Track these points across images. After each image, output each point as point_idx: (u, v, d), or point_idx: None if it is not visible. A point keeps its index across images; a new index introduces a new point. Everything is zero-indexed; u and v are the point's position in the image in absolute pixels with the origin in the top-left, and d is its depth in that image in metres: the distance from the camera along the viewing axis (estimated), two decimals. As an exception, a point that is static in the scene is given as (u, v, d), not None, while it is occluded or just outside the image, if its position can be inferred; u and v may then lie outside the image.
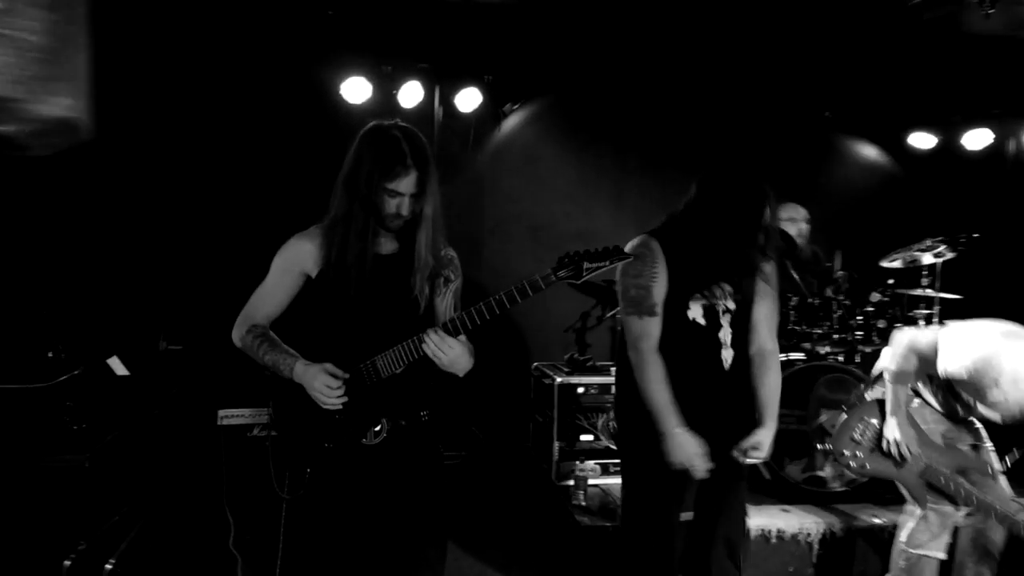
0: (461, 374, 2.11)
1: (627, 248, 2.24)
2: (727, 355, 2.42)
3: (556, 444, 4.03)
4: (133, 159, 4.42)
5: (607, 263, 1.97)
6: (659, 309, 2.36)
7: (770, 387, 2.45)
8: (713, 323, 2.41)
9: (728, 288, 2.44)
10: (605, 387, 4.08)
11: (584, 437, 4.06)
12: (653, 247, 2.34)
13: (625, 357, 2.47)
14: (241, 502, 3.21)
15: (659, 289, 2.35)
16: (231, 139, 4.54)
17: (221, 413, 3.35)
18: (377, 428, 2.19)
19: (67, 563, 2.89)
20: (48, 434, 3.15)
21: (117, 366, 3.62)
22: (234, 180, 4.54)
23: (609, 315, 4.28)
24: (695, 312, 2.41)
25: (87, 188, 4.33)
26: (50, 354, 3.49)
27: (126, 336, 4.09)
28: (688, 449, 2.28)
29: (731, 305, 2.45)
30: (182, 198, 4.50)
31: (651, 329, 2.35)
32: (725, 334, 2.42)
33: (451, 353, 2.04)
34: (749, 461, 2.39)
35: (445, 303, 2.23)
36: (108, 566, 3.04)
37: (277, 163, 4.50)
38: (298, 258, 2.23)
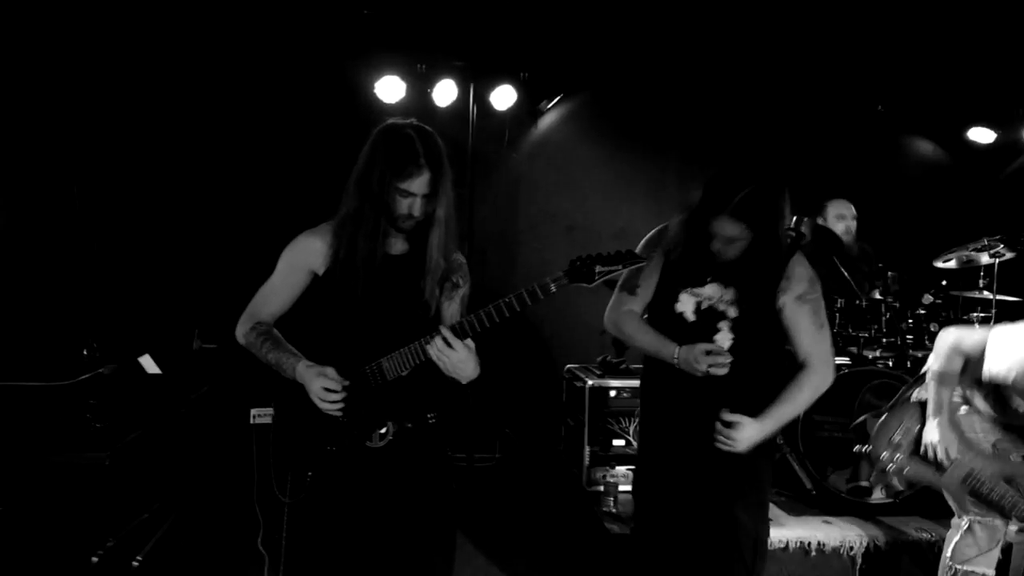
0: (464, 380, 2.06)
1: (649, 235, 2.35)
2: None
3: (587, 449, 3.99)
4: (171, 157, 4.52)
5: (619, 267, 1.98)
6: (641, 291, 2.42)
7: (790, 395, 2.34)
8: (706, 324, 2.37)
9: (729, 292, 2.38)
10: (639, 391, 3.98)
11: (616, 442, 4.01)
12: (657, 233, 2.42)
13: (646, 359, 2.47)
14: (271, 501, 3.20)
15: (647, 272, 2.41)
16: (267, 138, 4.62)
17: (253, 412, 3.37)
18: (382, 431, 2.17)
19: (94, 559, 2.91)
20: (71, 431, 3.21)
21: (149, 364, 3.66)
22: (270, 179, 4.61)
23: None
24: (684, 306, 2.41)
25: (127, 186, 4.45)
26: (85, 351, 3.55)
27: (162, 334, 4.16)
28: (695, 351, 2.30)
29: (732, 312, 2.39)
30: (219, 196, 4.58)
31: (625, 301, 2.43)
32: (723, 338, 2.38)
33: (455, 357, 2.00)
34: (717, 444, 2.28)
35: (452, 309, 2.21)
36: (135, 563, 3.05)
37: (312, 162, 4.54)
38: (306, 255, 2.21)
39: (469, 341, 2.03)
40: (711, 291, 2.40)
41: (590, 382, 4.03)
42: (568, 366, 4.53)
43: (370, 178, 2.08)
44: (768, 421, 2.30)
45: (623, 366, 4.21)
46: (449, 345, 2.00)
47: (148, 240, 4.49)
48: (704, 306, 2.39)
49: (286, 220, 2.47)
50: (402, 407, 2.18)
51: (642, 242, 2.46)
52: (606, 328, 2.51)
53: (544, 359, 4.98)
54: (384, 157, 2.06)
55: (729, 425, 2.27)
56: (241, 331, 2.30)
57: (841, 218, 4.23)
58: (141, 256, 4.47)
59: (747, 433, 2.27)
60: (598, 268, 1.96)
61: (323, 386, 2.10)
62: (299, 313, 2.34)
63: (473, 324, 2.02)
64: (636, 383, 3.94)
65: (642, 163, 5.21)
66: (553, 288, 1.96)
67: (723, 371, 2.30)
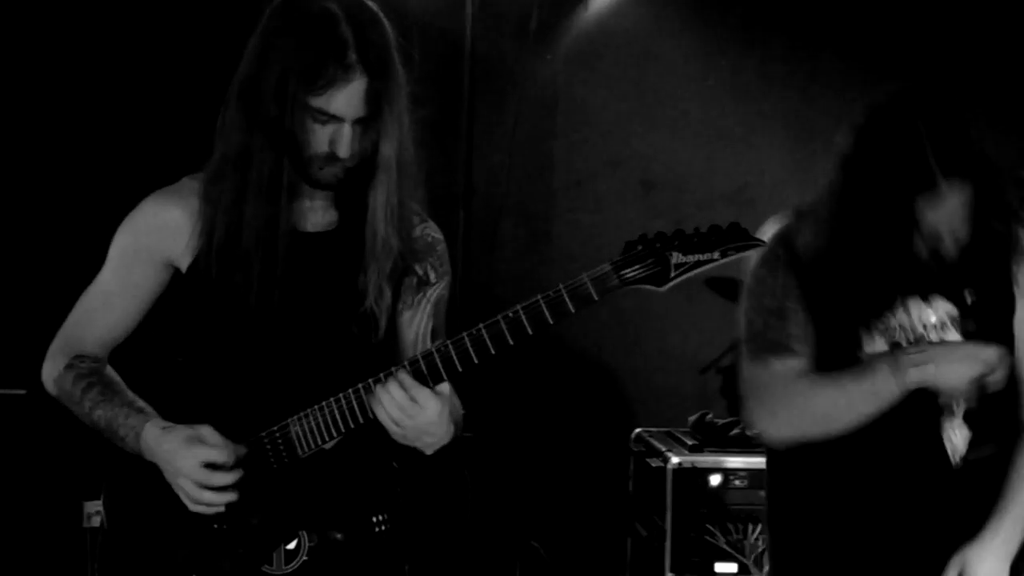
0: (429, 450, 2.13)
1: (761, 252, 2.34)
2: (956, 437, 2.43)
3: None
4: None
5: (713, 254, 1.98)
6: (798, 343, 2.40)
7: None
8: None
9: (945, 308, 2.40)
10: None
11: (723, 568, 3.99)
12: (777, 245, 2.45)
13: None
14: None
15: (797, 314, 2.40)
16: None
17: (89, 508, 3.55)
18: (291, 546, 2.19)
19: None
20: None
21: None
22: (100, 112, 4.67)
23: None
24: (877, 348, 2.43)
25: None
26: None
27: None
28: (957, 352, 2.33)
29: (953, 334, 2.41)
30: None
31: (774, 366, 2.41)
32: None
33: (420, 417, 2.03)
34: None
35: (418, 323, 2.30)
36: None
37: (165, 78, 4.63)
38: (157, 236, 2.27)
39: (444, 386, 2.06)
40: (919, 316, 2.42)
41: (675, 459, 4.07)
42: (637, 431, 4.57)
43: (261, 91, 2.12)
44: (999, 532, 2.36)
45: (736, 431, 4.23)
46: (411, 397, 2.02)
47: None
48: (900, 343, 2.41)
49: (132, 183, 2.50)
50: (325, 504, 2.21)
51: (760, 254, 2.44)
52: (766, 435, 2.50)
53: (597, 418, 5.01)
54: (285, 53, 2.10)
55: None
56: (50, 371, 2.35)
57: None
58: None
59: (979, 565, 2.34)
60: (676, 258, 1.96)
61: (201, 460, 2.11)
62: (148, 339, 2.38)
63: (450, 358, 2.03)
64: (760, 462, 3.95)
65: (773, 73, 5.19)
66: (592, 292, 1.96)
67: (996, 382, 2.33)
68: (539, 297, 1.98)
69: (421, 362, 2.04)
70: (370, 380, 2.06)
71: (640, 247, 1.96)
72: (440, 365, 2.03)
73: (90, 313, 2.33)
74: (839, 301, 2.40)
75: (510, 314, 1.99)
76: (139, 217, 2.28)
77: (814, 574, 2.53)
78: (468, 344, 2.02)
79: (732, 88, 5.19)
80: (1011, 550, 2.38)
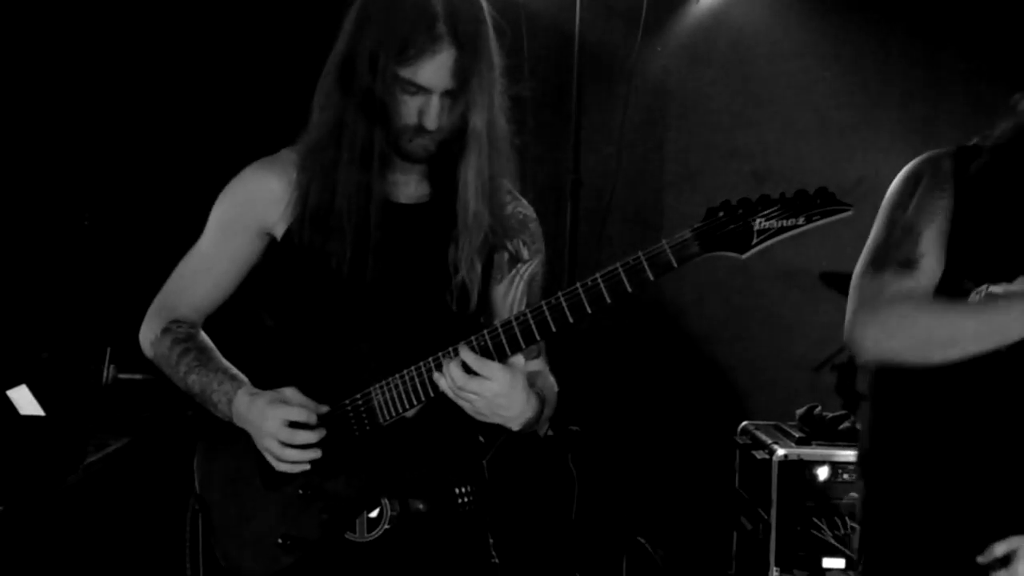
0: (515, 426, 2.11)
1: (908, 165, 2.32)
2: None
3: (775, 571, 4.01)
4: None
5: (799, 220, 1.94)
6: (931, 266, 2.30)
7: None
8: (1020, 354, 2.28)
9: None
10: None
11: (830, 563, 3.96)
12: (942, 166, 2.36)
13: (885, 389, 2.42)
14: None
15: (935, 233, 2.30)
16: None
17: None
18: (374, 514, 2.21)
19: None
20: None
21: (24, 401, 3.81)
22: (209, 99, 4.80)
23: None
24: None
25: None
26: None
27: (51, 355, 4.34)
28: None
29: None
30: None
31: (892, 281, 2.31)
32: None
33: (487, 391, 2.02)
34: None
35: (512, 298, 2.32)
36: None
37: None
38: (255, 204, 2.31)
39: (519, 358, 2.06)
40: None
41: (780, 452, 4.04)
42: (744, 424, 4.56)
43: (355, 63, 2.14)
44: None
45: (845, 425, 4.17)
46: (472, 371, 2.02)
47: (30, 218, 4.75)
48: None
49: (232, 155, 2.53)
50: (407, 473, 2.23)
51: (910, 173, 2.37)
52: (857, 346, 2.37)
53: (705, 413, 5.00)
54: (378, 25, 2.12)
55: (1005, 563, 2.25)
56: (147, 335, 2.40)
57: None
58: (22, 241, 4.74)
59: None
60: (759, 223, 1.94)
61: (284, 419, 2.15)
62: (243, 306, 2.41)
63: (514, 331, 2.02)
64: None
65: (892, 67, 5.12)
66: (672, 259, 1.94)
67: None
68: (618, 265, 1.97)
69: (485, 337, 2.04)
70: (443, 352, 2.07)
71: (722, 213, 1.94)
72: (507, 339, 2.03)
73: (188, 279, 2.37)
74: (998, 236, 2.30)
75: (588, 282, 1.98)
76: (238, 186, 2.33)
77: (907, 536, 2.42)
78: (546, 313, 2.00)
79: (849, 82, 5.13)
80: None
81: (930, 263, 2.30)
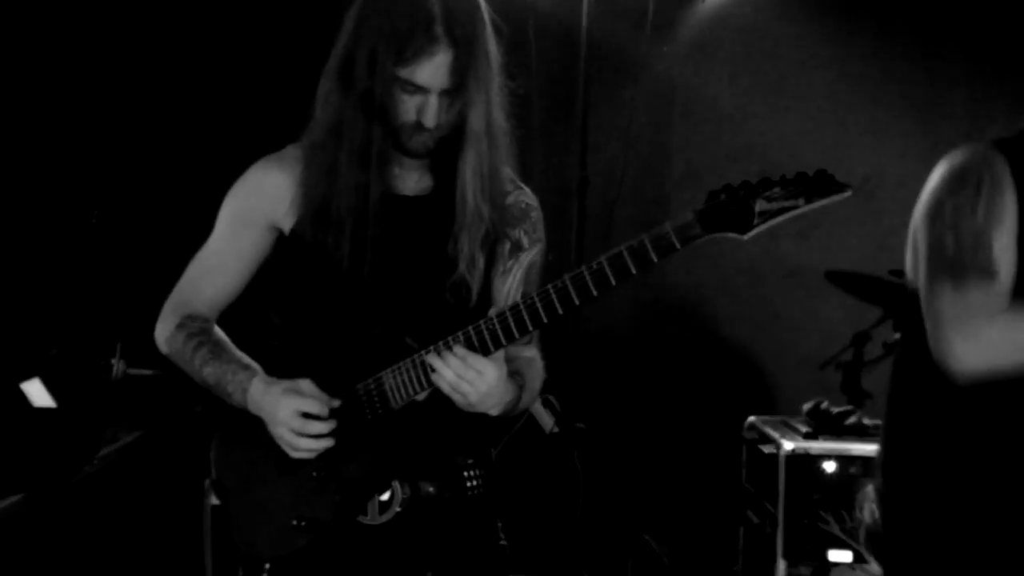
0: (495, 412, 2.15)
1: (948, 164, 2.28)
2: None
3: (782, 565, 3.98)
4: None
5: (799, 201, 1.95)
6: (1008, 271, 2.25)
7: None
8: None
9: None
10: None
11: (837, 556, 3.97)
12: (996, 163, 2.29)
13: (911, 392, 2.44)
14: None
15: (1006, 236, 2.25)
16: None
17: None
18: (385, 497, 2.22)
19: None
20: None
21: (37, 393, 3.84)
22: (219, 94, 4.85)
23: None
24: None
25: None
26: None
27: (64, 349, 4.36)
28: None
29: None
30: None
31: (987, 305, 2.24)
32: None
33: (479, 384, 2.07)
34: None
35: (509, 287, 2.33)
36: None
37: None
38: (262, 199, 2.34)
39: (501, 353, 2.10)
40: None
41: (788, 445, 4.03)
42: (751, 419, 4.55)
43: (354, 63, 2.18)
44: None
45: (852, 420, 4.18)
46: (468, 365, 2.06)
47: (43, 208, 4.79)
48: None
49: (238, 154, 2.56)
50: (417, 455, 2.25)
51: (959, 170, 2.32)
52: (956, 364, 2.28)
53: (712, 409, 4.99)
54: (377, 25, 2.15)
55: None
56: (162, 331, 2.42)
57: None
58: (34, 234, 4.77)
59: None
60: (760, 205, 1.94)
61: (297, 409, 2.18)
62: (255, 299, 2.43)
63: (508, 323, 2.04)
64: (875, 450, 3.90)
65: (898, 66, 5.14)
66: (675, 240, 1.96)
67: None
68: (623, 247, 1.98)
69: (473, 332, 2.07)
70: (449, 338, 2.09)
71: (723, 195, 1.96)
72: (499, 330, 2.06)
73: (200, 275, 2.39)
74: None
75: (594, 265, 2.00)
76: (246, 183, 2.36)
77: (933, 539, 2.38)
78: (538, 305, 2.03)
79: (855, 81, 5.15)
80: None
81: (1007, 268, 2.25)
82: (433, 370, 2.10)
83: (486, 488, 2.30)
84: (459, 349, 2.07)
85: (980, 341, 2.21)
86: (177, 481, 4.02)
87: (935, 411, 2.38)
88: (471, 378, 2.06)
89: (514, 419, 2.27)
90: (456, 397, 2.09)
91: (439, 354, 2.09)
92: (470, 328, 2.09)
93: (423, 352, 2.13)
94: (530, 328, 2.05)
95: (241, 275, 2.39)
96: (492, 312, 2.11)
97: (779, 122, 5.17)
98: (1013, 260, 2.25)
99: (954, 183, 2.25)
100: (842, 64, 5.16)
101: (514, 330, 2.06)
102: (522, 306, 2.05)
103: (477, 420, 2.28)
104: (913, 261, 2.38)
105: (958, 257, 2.26)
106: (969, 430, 2.34)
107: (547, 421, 4.21)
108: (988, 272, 2.23)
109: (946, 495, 2.35)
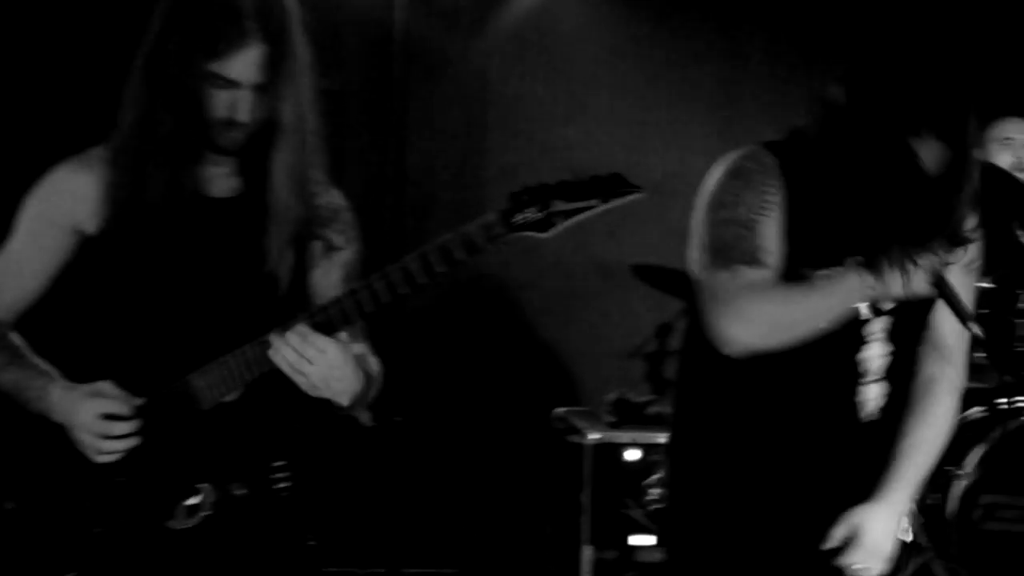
0: (345, 400, 2.14)
1: (724, 163, 2.36)
2: (870, 393, 2.42)
3: (587, 551, 4.06)
4: None
5: (596, 201, 2.02)
6: (772, 257, 2.35)
7: (917, 442, 2.42)
8: (850, 332, 2.38)
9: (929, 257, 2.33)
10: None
11: (637, 540, 4.07)
12: (766, 162, 2.39)
13: (690, 374, 2.53)
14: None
15: (772, 226, 2.35)
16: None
17: None
18: (194, 501, 2.20)
19: None
20: None
21: None
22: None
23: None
24: None
25: None
26: None
27: None
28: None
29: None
30: None
31: (742, 277, 2.34)
32: (872, 354, 2.42)
33: (321, 363, 2.05)
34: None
35: (326, 285, 2.31)
36: None
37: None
38: (64, 201, 2.28)
39: (346, 335, 2.10)
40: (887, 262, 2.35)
41: (592, 436, 4.10)
42: (558, 410, 4.61)
43: (164, 59, 2.14)
44: (895, 493, 2.39)
45: (652, 409, 4.28)
46: (309, 343, 2.05)
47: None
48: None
49: (39, 160, 2.45)
50: (226, 457, 2.23)
51: (735, 168, 2.39)
52: (724, 340, 2.38)
53: (523, 402, 5.02)
54: (186, 20, 2.12)
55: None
56: None
57: (1007, 144, 4.28)
58: None
59: (872, 528, 2.35)
60: (558, 205, 2.01)
61: (99, 412, 2.14)
62: (56, 303, 2.37)
63: (344, 308, 2.06)
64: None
65: (705, 56, 5.24)
66: (478, 239, 2.03)
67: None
68: (427, 247, 2.04)
69: (318, 313, 2.08)
70: (273, 332, 2.08)
71: (525, 196, 2.02)
72: (339, 313, 2.07)
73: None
74: (813, 235, 2.37)
75: (401, 265, 2.04)
76: (47, 184, 2.28)
77: (711, 514, 2.49)
78: (365, 292, 2.06)
79: (660, 82, 5.25)
80: (902, 512, 2.40)
81: (771, 255, 2.34)
82: (270, 347, 2.06)
83: (295, 486, 2.28)
84: (300, 327, 2.05)
85: (740, 317, 2.31)
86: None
87: (710, 392, 2.47)
88: (311, 356, 2.04)
89: (329, 417, 2.23)
90: (298, 379, 2.07)
91: (279, 332, 2.06)
92: (312, 311, 2.09)
93: (257, 343, 2.10)
94: (340, 323, 2.07)
95: (41, 279, 2.32)
96: (325, 302, 2.12)
97: (589, 121, 5.23)
98: (780, 249, 2.34)
99: (727, 179, 2.33)
100: (650, 65, 5.26)
101: (347, 317, 2.07)
102: (346, 296, 2.07)
103: (286, 419, 2.28)
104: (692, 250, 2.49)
105: (728, 244, 2.35)
106: (741, 412, 2.44)
107: (364, 415, 4.23)
108: (755, 258, 2.32)
109: (720, 473, 2.45)
